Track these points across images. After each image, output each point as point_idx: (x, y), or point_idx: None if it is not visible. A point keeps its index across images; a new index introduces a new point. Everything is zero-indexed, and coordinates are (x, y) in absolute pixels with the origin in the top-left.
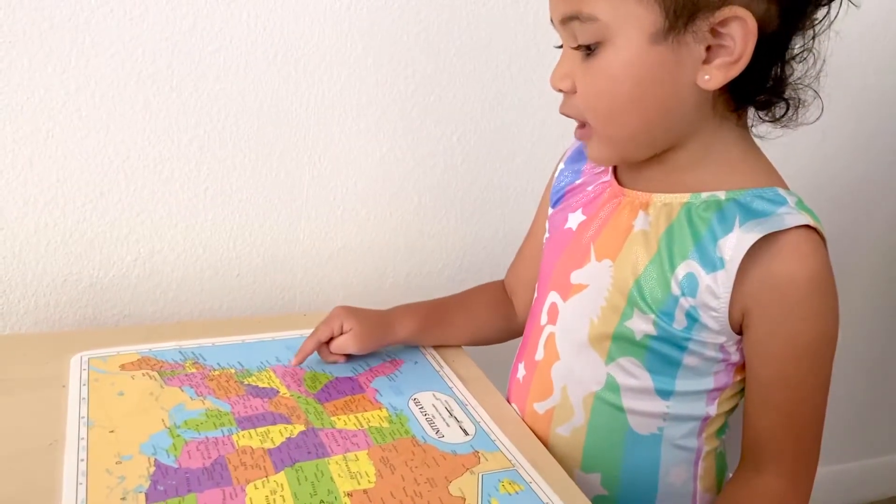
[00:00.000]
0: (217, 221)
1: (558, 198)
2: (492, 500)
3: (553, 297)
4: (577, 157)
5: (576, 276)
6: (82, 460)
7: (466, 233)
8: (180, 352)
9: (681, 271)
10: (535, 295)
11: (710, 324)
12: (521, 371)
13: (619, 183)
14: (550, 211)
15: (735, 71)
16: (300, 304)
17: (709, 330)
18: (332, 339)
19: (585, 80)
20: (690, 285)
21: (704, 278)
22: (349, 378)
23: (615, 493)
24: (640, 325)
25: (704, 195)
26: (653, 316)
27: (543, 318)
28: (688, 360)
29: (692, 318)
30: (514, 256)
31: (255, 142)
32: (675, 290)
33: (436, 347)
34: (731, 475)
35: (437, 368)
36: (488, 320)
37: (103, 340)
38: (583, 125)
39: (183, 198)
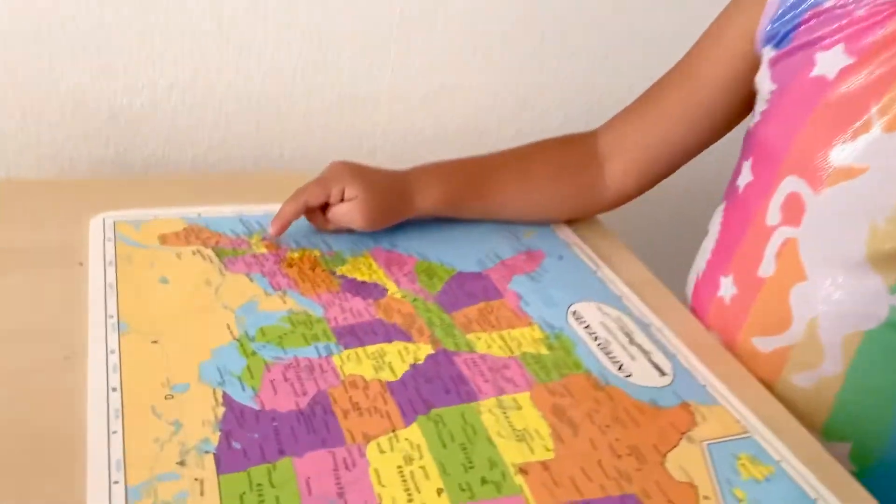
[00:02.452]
0: (282, 43)
1: (788, 30)
2: (735, 492)
3: (793, 184)
4: None
5: (841, 154)
6: (114, 390)
7: (596, 83)
8: (242, 221)
9: None
10: (750, 178)
11: None
12: (730, 288)
13: None
14: (771, 52)
15: None
16: (382, 156)
17: None
18: (327, 205)
19: None
20: None
21: None
22: (477, 274)
23: (868, 470)
24: None
25: None
26: None
27: (774, 216)
28: None
29: None
30: (626, 107)
31: None
32: None
33: (583, 237)
34: None
35: (593, 268)
36: (557, 193)
37: (132, 196)
38: None
39: (238, 5)
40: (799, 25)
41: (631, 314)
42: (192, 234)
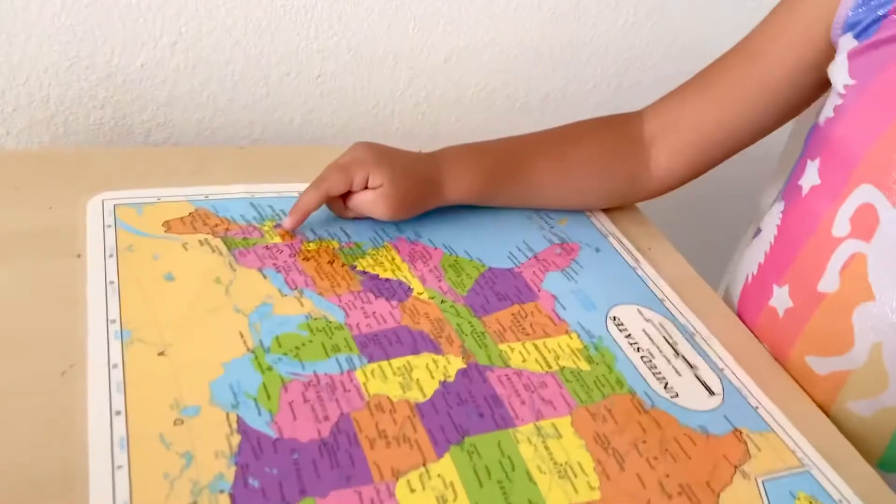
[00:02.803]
0: None
1: (874, 19)
2: None
3: (867, 193)
4: None
5: None
6: (118, 413)
7: (633, 43)
8: (252, 205)
9: None
10: (817, 181)
11: None
12: (784, 299)
13: None
14: (851, 43)
15: None
16: (400, 123)
17: None
18: (349, 192)
19: None
20: None
21: None
22: (508, 271)
23: None
24: None
25: None
26: None
27: (842, 227)
28: None
29: None
30: (678, 87)
31: None
32: None
33: (618, 225)
34: None
35: (633, 264)
36: (597, 180)
37: (132, 169)
38: None
39: None
40: (888, 14)
41: (674, 320)
42: (199, 219)
